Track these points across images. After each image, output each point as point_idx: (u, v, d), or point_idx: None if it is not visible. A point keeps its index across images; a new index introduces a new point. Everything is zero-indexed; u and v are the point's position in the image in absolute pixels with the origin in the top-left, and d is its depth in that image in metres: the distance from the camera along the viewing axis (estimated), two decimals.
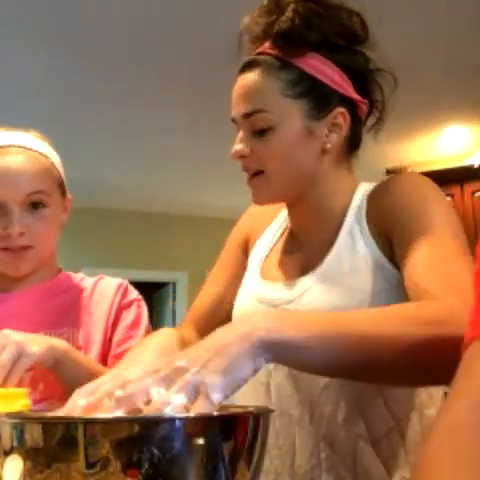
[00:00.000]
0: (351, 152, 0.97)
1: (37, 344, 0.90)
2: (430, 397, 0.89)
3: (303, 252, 0.96)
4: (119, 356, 1.05)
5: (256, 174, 0.92)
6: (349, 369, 0.66)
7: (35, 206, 1.08)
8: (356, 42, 0.92)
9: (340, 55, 0.91)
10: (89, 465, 0.47)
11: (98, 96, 3.55)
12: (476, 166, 4.15)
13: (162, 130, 4.06)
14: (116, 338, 1.11)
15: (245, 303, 0.98)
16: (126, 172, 4.94)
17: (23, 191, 1.06)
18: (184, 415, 0.50)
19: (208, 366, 0.55)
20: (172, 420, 0.48)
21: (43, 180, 1.09)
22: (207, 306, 1.05)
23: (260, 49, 0.93)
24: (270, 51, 0.91)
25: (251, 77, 0.91)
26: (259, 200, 0.96)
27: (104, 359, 1.09)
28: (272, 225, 1.06)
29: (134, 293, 1.20)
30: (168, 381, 0.54)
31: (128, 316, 1.14)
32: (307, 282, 0.90)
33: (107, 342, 1.11)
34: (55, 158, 1.14)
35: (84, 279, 1.21)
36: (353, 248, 0.88)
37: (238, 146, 0.92)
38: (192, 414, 0.50)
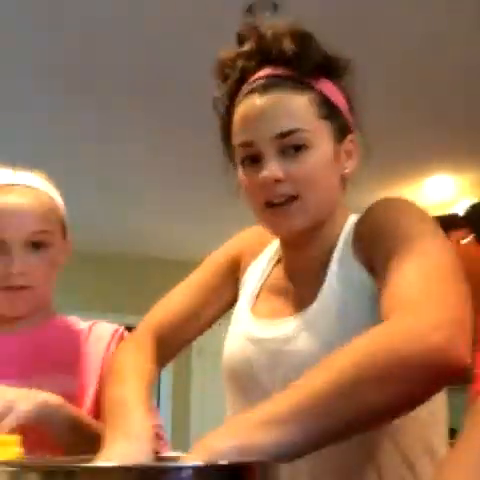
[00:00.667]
0: (349, 179, 0.95)
1: (28, 401, 0.89)
2: (441, 437, 0.86)
3: (296, 288, 0.92)
4: None
5: (289, 201, 0.86)
6: (343, 432, 0.64)
7: (37, 246, 1.07)
8: (345, 71, 0.92)
9: (338, 82, 0.91)
10: None
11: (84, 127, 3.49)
12: (461, 215, 4.19)
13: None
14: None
15: (236, 343, 0.93)
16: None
17: (26, 230, 1.06)
18: (190, 464, 0.48)
19: None
20: (176, 469, 0.46)
21: (47, 220, 1.08)
22: (176, 317, 0.98)
23: (270, 72, 0.89)
24: (289, 73, 0.88)
25: (278, 97, 0.87)
26: (293, 227, 0.88)
27: (98, 408, 1.04)
28: (264, 254, 1.01)
29: None
30: None
31: None
32: (302, 320, 0.86)
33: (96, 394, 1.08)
34: (59, 200, 1.14)
35: (79, 323, 1.19)
36: (345, 280, 0.85)
37: (273, 169, 0.85)
38: (198, 463, 0.48)
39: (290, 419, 0.59)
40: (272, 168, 0.85)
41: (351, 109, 0.93)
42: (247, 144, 0.88)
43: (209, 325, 1.01)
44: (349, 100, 0.93)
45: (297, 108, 0.87)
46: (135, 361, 0.89)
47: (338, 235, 0.90)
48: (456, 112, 3.25)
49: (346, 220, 0.92)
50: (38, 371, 1.05)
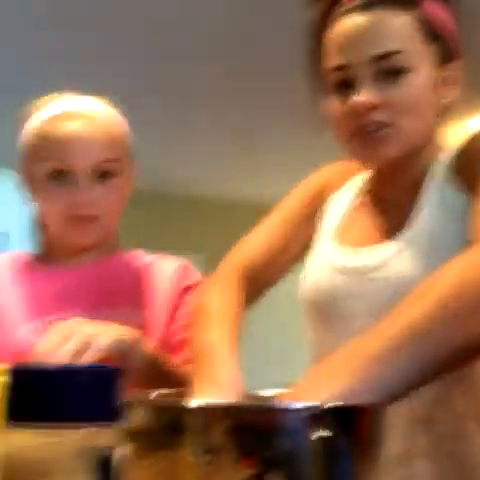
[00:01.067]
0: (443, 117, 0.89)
1: (106, 335, 0.87)
2: None
3: (385, 215, 0.88)
4: (181, 342, 1.02)
5: (380, 127, 0.82)
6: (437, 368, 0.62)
7: (104, 175, 1.02)
8: None
9: (452, 4, 0.85)
10: (201, 453, 0.46)
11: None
12: None
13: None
14: (177, 324, 1.06)
15: (320, 270, 0.90)
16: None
17: (93, 159, 1.00)
18: (301, 405, 0.48)
19: None
20: (288, 409, 0.47)
21: (114, 148, 1.03)
22: (262, 254, 0.94)
23: None
24: None
25: (377, 17, 0.81)
26: (386, 156, 0.84)
27: (166, 343, 1.05)
28: (349, 186, 0.97)
29: (197, 275, 1.14)
30: None
31: (190, 300, 1.06)
32: (394, 246, 0.82)
33: (168, 326, 1.06)
34: (125, 127, 1.08)
35: (143, 257, 1.15)
36: (442, 206, 0.81)
37: (366, 95, 0.80)
38: (309, 403, 0.48)
39: (391, 358, 0.59)
40: (367, 93, 0.80)
41: (460, 33, 0.86)
42: (341, 67, 0.83)
43: (296, 260, 0.98)
44: (459, 23, 0.86)
45: (399, 28, 0.81)
46: (221, 302, 0.86)
47: (433, 163, 0.86)
48: None
49: (441, 148, 0.88)
50: (104, 304, 1.03)
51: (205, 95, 3.67)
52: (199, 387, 0.72)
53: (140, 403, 0.49)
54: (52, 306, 1.02)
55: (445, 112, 0.88)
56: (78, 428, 0.36)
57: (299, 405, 0.48)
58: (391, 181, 0.89)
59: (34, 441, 0.36)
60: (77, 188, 0.99)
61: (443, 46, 0.84)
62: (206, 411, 0.48)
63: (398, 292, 0.74)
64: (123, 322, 0.96)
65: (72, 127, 1.00)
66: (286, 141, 4.21)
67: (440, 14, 0.84)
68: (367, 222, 0.90)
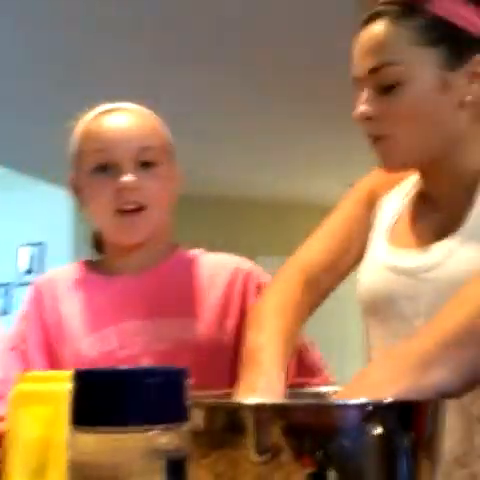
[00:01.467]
0: None
1: None
2: None
3: (438, 214, 0.88)
4: None
5: (383, 138, 0.84)
6: None
7: (146, 164, 1.02)
8: None
9: None
10: (260, 452, 0.47)
11: None
12: None
13: None
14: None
15: (374, 270, 0.90)
16: None
17: (132, 148, 1.02)
18: (357, 401, 0.49)
19: None
20: (346, 406, 0.47)
21: (153, 137, 1.05)
22: (326, 254, 0.94)
23: (384, 0, 0.84)
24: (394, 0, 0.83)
25: (376, 29, 0.83)
26: (389, 166, 0.86)
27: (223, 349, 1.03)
28: (400, 187, 0.96)
29: (265, 275, 1.09)
30: None
31: (248, 306, 1.03)
32: (450, 245, 0.81)
33: (236, 339, 1.01)
34: (161, 121, 1.10)
35: (202, 257, 1.13)
36: None
37: (362, 107, 0.82)
38: (365, 400, 0.49)
39: (439, 361, 0.60)
40: (362, 106, 0.83)
41: None
42: (354, 80, 0.85)
43: (357, 262, 0.96)
44: None
45: (393, 40, 0.82)
46: (277, 304, 0.85)
47: None
48: None
49: None
50: (157, 315, 1.03)
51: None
52: (237, 392, 0.70)
53: (198, 404, 0.48)
54: (109, 318, 1.04)
55: (475, 109, 0.84)
56: (145, 431, 0.36)
57: (356, 402, 0.49)
58: (439, 182, 0.89)
59: (102, 446, 0.37)
60: (121, 177, 1.00)
61: (456, 44, 0.82)
62: (264, 410, 0.48)
63: (451, 292, 0.75)
64: (175, 333, 1.00)
65: (111, 121, 1.04)
66: (339, 143, 4.27)
67: (455, 11, 0.82)
68: (420, 222, 0.90)
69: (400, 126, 0.83)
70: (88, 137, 1.04)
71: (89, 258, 1.15)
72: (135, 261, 1.07)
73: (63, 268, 1.17)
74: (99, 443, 0.37)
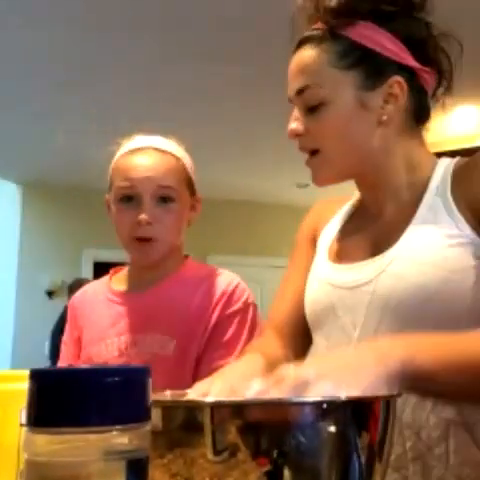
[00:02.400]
0: (418, 124, 0.93)
1: None
2: None
3: (376, 230, 0.92)
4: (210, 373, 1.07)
5: (313, 153, 0.90)
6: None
7: (164, 200, 1.20)
8: (412, 9, 0.88)
9: (395, 23, 0.87)
10: (217, 451, 0.47)
11: None
12: None
13: None
14: (209, 356, 1.17)
15: (318, 288, 0.95)
16: None
17: (154, 184, 1.19)
18: (312, 399, 0.50)
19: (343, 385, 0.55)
20: (302, 404, 0.48)
21: (173, 177, 1.22)
22: (289, 311, 1.00)
23: (313, 27, 0.90)
24: (320, 26, 0.89)
25: (302, 54, 0.89)
26: (319, 180, 0.93)
27: (204, 369, 1.14)
28: (338, 214, 1.03)
29: (240, 300, 1.22)
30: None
31: (228, 331, 1.19)
32: (383, 261, 0.86)
33: (198, 357, 1.18)
34: (187, 161, 1.27)
35: (202, 275, 1.27)
36: (434, 223, 0.84)
37: (293, 125, 0.89)
38: (320, 398, 0.50)
39: (457, 365, 0.67)
40: (293, 123, 0.89)
41: (417, 50, 0.88)
42: (289, 100, 0.92)
43: None
44: (412, 40, 0.88)
45: (313, 64, 0.87)
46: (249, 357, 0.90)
47: (425, 178, 0.89)
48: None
49: (434, 163, 0.91)
50: (146, 330, 1.20)
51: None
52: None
53: (156, 403, 0.50)
54: (115, 330, 1.23)
55: (391, 127, 0.89)
56: (105, 431, 0.36)
57: (312, 399, 0.50)
58: (373, 196, 0.94)
59: (60, 447, 0.36)
60: (141, 209, 1.19)
61: (372, 67, 0.87)
62: (221, 409, 0.49)
63: (388, 305, 0.82)
64: (154, 347, 1.18)
65: (137, 159, 1.22)
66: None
67: (371, 37, 0.87)
68: (358, 236, 0.95)
69: (325, 143, 0.89)
70: (117, 173, 1.23)
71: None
72: (148, 277, 1.26)
73: (95, 282, 1.40)
74: (57, 444, 0.37)
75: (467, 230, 0.82)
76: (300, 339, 0.98)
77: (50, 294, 5.71)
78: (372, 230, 0.93)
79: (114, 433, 0.37)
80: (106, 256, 5.41)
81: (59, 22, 3.02)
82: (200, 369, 1.16)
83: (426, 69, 0.90)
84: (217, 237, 5.83)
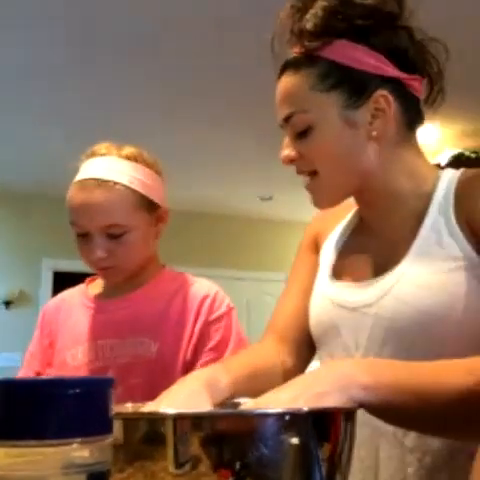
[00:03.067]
0: (411, 130, 0.91)
1: None
2: None
3: (378, 247, 0.90)
4: None
5: (311, 176, 0.89)
6: (440, 425, 0.69)
7: (114, 235, 1.18)
8: (389, 20, 0.87)
9: (372, 36, 0.86)
10: (179, 464, 0.46)
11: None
12: (443, 165, 4.23)
13: None
14: (201, 361, 1.17)
15: (320, 305, 0.94)
16: None
17: (100, 223, 1.16)
18: (275, 411, 0.50)
19: None
20: (264, 415, 0.48)
21: (118, 213, 1.17)
22: (292, 319, 0.98)
23: (293, 51, 0.89)
24: (297, 50, 0.88)
25: (284, 81, 0.89)
26: (320, 203, 0.93)
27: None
28: (341, 224, 1.01)
29: (222, 306, 1.23)
30: None
31: (213, 337, 1.20)
32: (386, 283, 0.84)
33: (187, 363, 1.18)
34: (140, 180, 1.21)
35: (179, 281, 1.28)
36: (437, 244, 0.82)
37: (285, 152, 0.90)
38: (284, 410, 0.50)
39: (419, 396, 0.65)
40: (285, 150, 0.90)
41: (400, 59, 0.87)
42: (279, 126, 0.91)
43: None
44: (393, 50, 0.86)
45: (295, 90, 0.87)
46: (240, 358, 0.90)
47: (427, 191, 0.87)
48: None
49: (435, 175, 0.89)
50: (128, 334, 1.21)
51: None
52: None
53: (118, 415, 0.49)
54: (90, 335, 1.24)
55: (383, 141, 0.88)
56: (64, 444, 0.35)
57: (274, 411, 0.50)
58: (374, 212, 0.93)
59: (18, 460, 0.35)
60: (93, 245, 1.18)
61: (354, 85, 0.86)
62: (183, 421, 0.48)
63: (391, 328, 0.81)
64: (135, 350, 1.18)
65: (81, 197, 1.17)
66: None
67: (350, 55, 0.86)
68: (361, 254, 0.93)
69: (320, 165, 0.88)
70: (69, 205, 1.20)
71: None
72: (125, 286, 1.26)
73: (74, 288, 1.38)
74: (15, 457, 0.36)
75: (470, 252, 0.79)
76: (304, 347, 0.97)
77: (7, 304, 5.58)
78: (374, 247, 0.91)
79: (74, 446, 0.36)
80: (66, 266, 5.36)
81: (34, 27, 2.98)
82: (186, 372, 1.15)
83: (413, 76, 0.88)
84: (179, 249, 5.81)
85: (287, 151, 0.90)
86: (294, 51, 0.89)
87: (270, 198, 5.79)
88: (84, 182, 1.18)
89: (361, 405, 0.61)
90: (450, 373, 0.67)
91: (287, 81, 0.89)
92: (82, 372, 1.20)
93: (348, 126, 0.86)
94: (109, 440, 0.38)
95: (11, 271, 5.64)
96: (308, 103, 0.86)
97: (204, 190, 5.53)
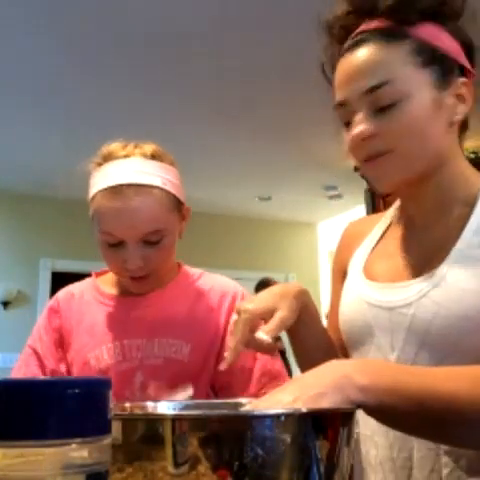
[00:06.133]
0: (462, 132, 0.90)
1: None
2: None
3: (417, 249, 0.89)
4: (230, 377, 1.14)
5: (380, 157, 0.85)
6: (436, 431, 0.68)
7: (151, 242, 1.12)
8: (455, 14, 0.87)
9: (451, 24, 0.86)
10: (177, 464, 0.47)
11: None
12: None
13: None
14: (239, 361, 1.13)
15: (354, 305, 0.92)
16: None
17: (139, 232, 1.10)
18: (272, 411, 0.50)
19: None
20: (262, 416, 0.48)
21: (158, 219, 1.12)
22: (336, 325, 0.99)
23: (364, 27, 0.87)
24: (381, 25, 0.85)
25: (366, 53, 0.84)
26: (386, 184, 0.87)
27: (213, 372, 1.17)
28: (371, 233, 0.99)
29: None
30: None
31: None
32: (425, 285, 0.82)
33: (217, 358, 1.17)
34: (171, 181, 1.16)
35: (200, 280, 1.26)
36: (478, 250, 0.80)
37: (360, 126, 0.84)
38: (282, 411, 0.50)
39: (417, 400, 0.65)
40: (360, 126, 0.84)
41: (467, 54, 0.87)
42: (341, 103, 0.87)
43: None
44: (467, 43, 0.88)
45: (387, 59, 0.83)
46: None
47: (473, 194, 0.86)
48: None
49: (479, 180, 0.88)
50: (156, 335, 1.17)
51: None
52: None
53: (116, 416, 0.49)
54: (115, 334, 1.19)
55: (462, 129, 0.89)
56: (63, 444, 0.35)
57: (271, 412, 0.50)
58: (422, 209, 0.91)
59: (17, 460, 0.35)
60: (128, 255, 1.11)
61: (443, 66, 0.85)
62: (181, 422, 0.48)
63: (428, 331, 0.79)
64: (166, 351, 1.15)
65: (117, 206, 1.09)
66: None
67: (438, 37, 0.85)
68: (397, 256, 0.91)
69: (400, 143, 0.84)
70: (98, 217, 1.12)
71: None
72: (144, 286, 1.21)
73: (81, 283, 1.30)
74: (14, 458, 0.36)
75: None
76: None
77: (5, 304, 5.57)
78: (415, 247, 0.90)
79: (73, 446, 0.36)
80: (64, 266, 5.36)
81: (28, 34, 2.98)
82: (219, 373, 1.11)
83: (475, 74, 0.88)
84: (178, 249, 5.81)
85: (362, 127, 0.84)
86: (373, 26, 0.86)
87: (269, 198, 5.80)
88: (118, 189, 1.10)
89: (358, 406, 0.60)
90: (453, 379, 0.67)
91: (371, 53, 0.84)
92: (108, 373, 1.14)
93: (435, 106, 0.84)
94: (108, 440, 0.39)
95: (9, 271, 5.63)
96: (402, 75, 0.83)
97: (203, 190, 5.53)
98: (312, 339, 0.96)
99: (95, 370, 1.16)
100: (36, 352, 1.23)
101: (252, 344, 0.81)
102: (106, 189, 1.10)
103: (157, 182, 1.12)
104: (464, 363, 0.71)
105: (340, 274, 1.02)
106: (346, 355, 0.97)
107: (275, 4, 2.76)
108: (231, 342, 0.82)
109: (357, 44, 0.86)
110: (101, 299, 1.24)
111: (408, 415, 0.65)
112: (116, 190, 1.10)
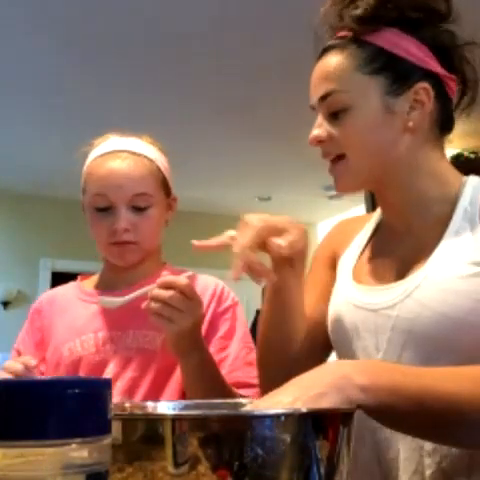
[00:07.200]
0: (442, 133, 0.91)
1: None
2: None
3: (402, 253, 0.90)
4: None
5: (338, 159, 0.88)
6: (436, 431, 0.68)
7: (139, 207, 1.18)
8: (437, 17, 0.88)
9: (420, 30, 0.87)
10: (177, 464, 0.47)
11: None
12: None
13: None
14: (210, 350, 1.14)
15: (341, 307, 0.93)
16: None
17: (128, 193, 1.17)
18: (272, 411, 0.50)
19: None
20: (262, 416, 0.48)
21: (147, 183, 1.19)
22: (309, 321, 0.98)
23: (338, 35, 0.90)
24: (345, 34, 0.89)
25: (326, 60, 0.89)
26: (342, 187, 0.91)
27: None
28: (360, 233, 1.00)
29: (229, 298, 1.24)
30: None
31: (222, 327, 1.20)
32: (408, 286, 0.83)
33: None
34: (162, 162, 1.24)
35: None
36: (461, 249, 0.81)
37: (315, 131, 0.89)
38: (282, 411, 0.50)
39: (417, 400, 0.65)
40: (315, 129, 0.89)
41: (443, 58, 0.88)
42: (311, 107, 0.91)
43: None
44: (443, 47, 0.88)
45: (339, 68, 0.87)
46: None
47: (451, 195, 0.86)
48: None
49: (460, 180, 0.89)
50: (132, 326, 1.18)
51: None
52: None
53: (115, 416, 0.49)
54: (89, 327, 1.21)
55: (444, 130, 0.90)
56: (63, 444, 0.35)
57: (271, 412, 0.50)
58: (399, 214, 0.92)
59: (16, 460, 0.35)
60: (116, 218, 1.16)
61: (398, 72, 0.86)
62: (181, 422, 0.48)
63: (412, 332, 0.80)
64: (147, 343, 1.16)
65: (109, 166, 1.17)
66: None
67: (396, 43, 0.87)
68: (382, 259, 0.93)
69: (350, 148, 0.87)
70: (91, 179, 1.19)
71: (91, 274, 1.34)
72: (125, 278, 1.24)
73: (66, 285, 1.35)
74: (14, 458, 0.36)
75: None
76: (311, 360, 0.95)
77: (5, 304, 5.57)
78: (397, 251, 0.91)
79: (73, 446, 0.36)
80: (64, 266, 5.35)
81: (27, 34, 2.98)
82: None
83: (451, 76, 0.89)
84: (178, 249, 5.81)
85: (318, 131, 0.89)
86: (340, 34, 0.90)
87: (269, 198, 5.80)
88: (112, 153, 1.18)
89: (358, 406, 0.60)
90: (454, 380, 0.67)
91: (330, 59, 0.88)
92: (81, 365, 1.17)
93: (386, 112, 0.86)
94: (108, 440, 0.39)
95: (9, 271, 5.64)
96: (350, 83, 0.86)
97: (203, 190, 5.53)
98: (289, 312, 0.95)
99: (68, 362, 1.18)
100: (19, 353, 1.26)
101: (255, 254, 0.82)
102: (100, 155, 1.19)
103: (149, 154, 1.21)
104: (449, 363, 0.72)
105: (330, 261, 1.02)
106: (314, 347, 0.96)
107: (275, 4, 2.76)
108: (236, 247, 0.86)
109: (323, 52, 0.91)
110: (82, 296, 1.28)
111: (408, 415, 0.65)
112: (110, 154, 1.18)
